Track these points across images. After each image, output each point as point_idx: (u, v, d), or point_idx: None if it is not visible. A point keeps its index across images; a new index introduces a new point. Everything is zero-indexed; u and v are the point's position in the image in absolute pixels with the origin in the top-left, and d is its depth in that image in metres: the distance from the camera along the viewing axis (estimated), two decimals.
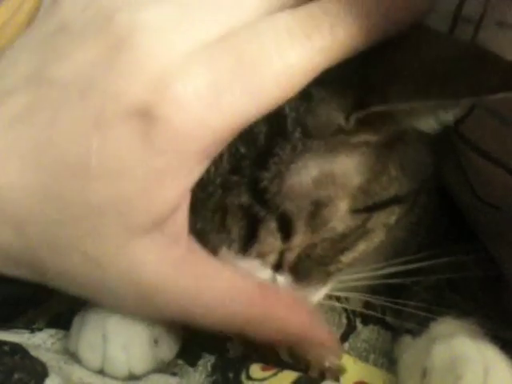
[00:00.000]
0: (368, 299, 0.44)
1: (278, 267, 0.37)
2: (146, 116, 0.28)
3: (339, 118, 0.33)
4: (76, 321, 0.40)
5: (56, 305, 0.49)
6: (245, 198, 0.33)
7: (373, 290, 0.44)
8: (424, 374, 0.37)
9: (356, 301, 0.46)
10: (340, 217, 0.35)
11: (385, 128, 0.34)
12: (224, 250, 0.35)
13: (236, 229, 0.34)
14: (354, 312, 0.47)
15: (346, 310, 0.47)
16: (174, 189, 0.29)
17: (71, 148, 0.28)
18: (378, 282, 0.42)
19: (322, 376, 0.40)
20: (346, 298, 0.47)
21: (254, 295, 0.34)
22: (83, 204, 0.29)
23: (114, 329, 0.38)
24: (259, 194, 0.33)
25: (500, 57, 0.30)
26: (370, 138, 0.34)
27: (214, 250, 0.35)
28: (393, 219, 0.39)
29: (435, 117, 0.34)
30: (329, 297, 0.46)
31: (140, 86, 0.28)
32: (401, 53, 0.32)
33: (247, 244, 0.35)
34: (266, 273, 0.37)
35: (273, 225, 0.34)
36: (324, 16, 0.30)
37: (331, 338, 0.37)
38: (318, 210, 0.34)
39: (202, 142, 0.28)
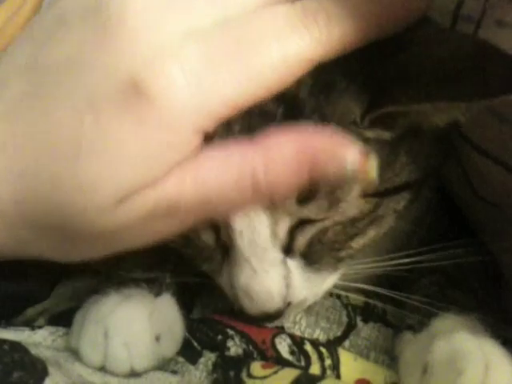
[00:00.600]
0: (371, 289, 0.44)
1: (288, 251, 0.37)
2: (138, 93, 0.27)
3: (356, 113, 0.33)
4: (77, 318, 0.41)
5: (56, 302, 0.49)
6: None
7: (375, 283, 0.44)
8: (425, 369, 0.37)
9: (357, 299, 0.47)
10: (351, 201, 0.35)
11: (397, 125, 0.34)
12: None
13: None
14: (354, 310, 0.47)
15: (346, 307, 0.47)
16: (167, 165, 0.29)
17: (65, 129, 0.28)
18: (379, 273, 0.42)
19: (323, 373, 0.41)
20: (347, 296, 0.47)
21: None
22: (76, 184, 0.28)
23: (115, 326, 0.38)
24: None
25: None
26: (383, 134, 0.34)
27: None
28: (402, 205, 0.39)
29: (448, 115, 0.35)
30: (329, 294, 0.47)
31: (132, 63, 0.27)
32: (412, 51, 0.33)
33: None
34: (277, 255, 0.37)
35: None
36: (321, 10, 0.30)
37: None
38: (334, 189, 0.34)
39: (196, 119, 0.28)
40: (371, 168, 0.30)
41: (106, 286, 0.43)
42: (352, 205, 0.35)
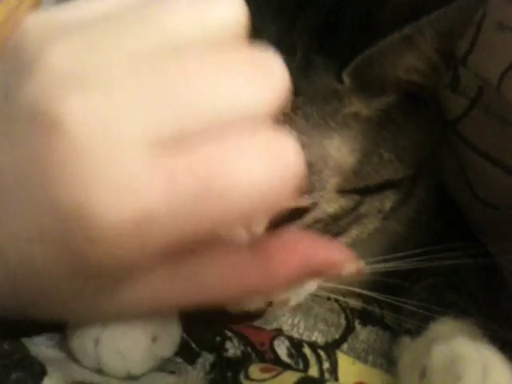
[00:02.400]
0: (368, 294, 0.44)
1: None
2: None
3: (332, 81, 0.33)
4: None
5: None
6: None
7: (372, 288, 0.44)
8: (423, 374, 0.37)
9: (355, 302, 0.47)
10: (328, 195, 0.35)
11: (374, 81, 0.34)
12: None
13: None
14: (352, 313, 0.47)
15: (344, 310, 0.47)
16: None
17: None
18: (375, 276, 0.42)
19: (321, 376, 0.41)
20: (346, 301, 0.47)
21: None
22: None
23: (106, 333, 0.38)
24: None
25: None
26: (362, 109, 0.35)
27: None
28: (387, 206, 0.39)
29: (424, 61, 0.34)
30: (327, 298, 0.47)
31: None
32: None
33: None
34: None
35: None
36: None
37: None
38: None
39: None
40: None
41: None
42: (330, 201, 0.35)
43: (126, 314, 0.27)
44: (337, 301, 0.47)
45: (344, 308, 0.47)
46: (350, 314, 0.47)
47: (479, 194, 0.43)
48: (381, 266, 0.42)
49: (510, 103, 0.34)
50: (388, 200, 0.38)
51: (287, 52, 0.33)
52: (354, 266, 0.28)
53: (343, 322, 0.46)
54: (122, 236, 0.21)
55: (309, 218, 0.36)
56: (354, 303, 0.47)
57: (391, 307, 0.44)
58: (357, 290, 0.44)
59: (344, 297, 0.46)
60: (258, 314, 0.39)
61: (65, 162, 0.21)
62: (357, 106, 0.35)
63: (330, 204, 0.36)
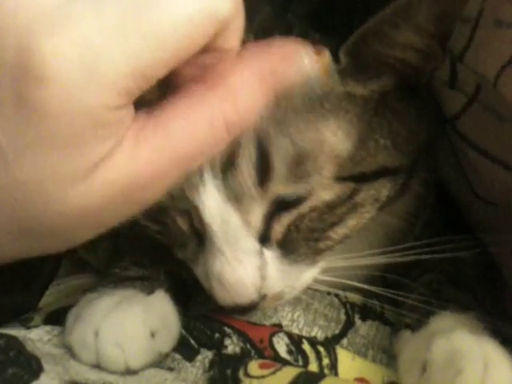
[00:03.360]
0: (368, 288, 0.44)
1: (265, 240, 0.37)
2: (26, 78, 0.24)
3: (327, 60, 0.33)
4: (70, 316, 0.40)
5: (53, 300, 0.49)
6: None
7: (372, 283, 0.44)
8: (424, 368, 0.36)
9: (355, 297, 0.46)
10: (325, 184, 0.35)
11: (373, 80, 0.34)
12: (209, 176, 0.34)
13: None
14: (352, 308, 0.47)
15: (344, 305, 0.47)
16: (88, 155, 0.26)
17: None
18: (375, 272, 0.42)
19: (322, 372, 0.40)
20: (346, 296, 0.47)
21: None
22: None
23: (106, 324, 0.38)
24: None
25: None
26: (357, 89, 0.34)
27: (200, 175, 0.34)
28: (384, 194, 0.38)
29: (421, 36, 0.34)
30: (327, 292, 0.46)
31: (11, 44, 0.24)
32: None
33: (226, 170, 0.34)
34: (251, 244, 0.36)
35: (252, 152, 0.33)
36: None
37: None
38: (301, 160, 0.34)
39: (101, 95, 0.25)
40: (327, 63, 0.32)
41: (102, 284, 0.43)
42: (325, 188, 0.35)
43: (98, 201, 0.27)
44: (336, 296, 0.47)
45: (344, 303, 0.47)
46: (350, 309, 0.47)
47: (479, 193, 0.43)
48: (379, 259, 0.42)
49: (507, 100, 0.34)
50: (384, 189, 0.38)
51: (283, 32, 0.33)
52: (311, 50, 0.28)
53: (343, 316, 0.46)
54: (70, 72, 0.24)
55: (305, 206, 0.36)
56: (354, 297, 0.46)
57: (391, 302, 0.44)
58: (356, 284, 0.44)
59: (344, 291, 0.46)
60: (251, 307, 0.38)
61: None
62: (351, 86, 0.34)
63: (325, 191, 0.35)
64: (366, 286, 0.43)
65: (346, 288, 0.46)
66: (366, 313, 0.47)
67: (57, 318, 0.44)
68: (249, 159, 0.33)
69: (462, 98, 0.38)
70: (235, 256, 0.36)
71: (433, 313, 0.40)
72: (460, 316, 0.40)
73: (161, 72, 0.26)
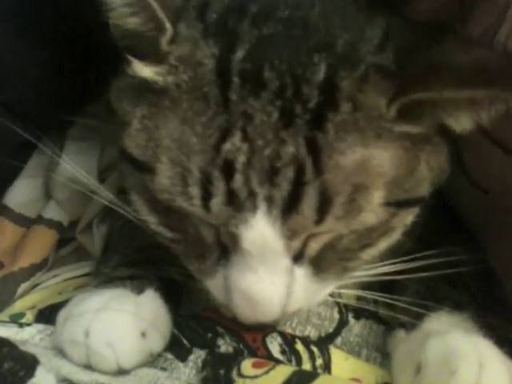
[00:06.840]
0: (362, 294, 0.43)
1: (298, 258, 0.36)
2: None
3: (381, 104, 0.33)
4: (60, 317, 0.40)
5: (46, 296, 0.49)
6: (300, 149, 0.32)
7: (366, 285, 0.43)
8: (418, 368, 0.36)
9: (349, 295, 0.46)
10: (372, 208, 0.34)
11: (424, 120, 0.34)
12: (263, 210, 0.33)
13: (283, 182, 0.32)
14: (346, 306, 0.47)
15: (338, 304, 0.47)
16: None
17: None
18: (373, 279, 0.42)
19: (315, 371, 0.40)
20: (339, 293, 0.47)
21: None
22: None
23: (96, 324, 0.38)
24: (314, 151, 0.32)
25: None
26: (411, 129, 0.34)
27: (253, 207, 0.33)
28: (410, 220, 0.38)
29: (474, 116, 0.34)
30: None
31: None
32: (438, 51, 0.33)
33: (286, 211, 0.33)
34: (286, 263, 0.35)
35: (314, 195, 0.33)
36: None
37: None
38: (355, 195, 0.33)
39: None
40: None
41: (92, 284, 0.42)
42: (372, 212, 0.34)
43: None
44: (330, 294, 0.47)
45: (337, 302, 0.47)
46: (344, 308, 0.47)
47: (473, 177, 0.43)
48: (377, 271, 0.41)
49: None
50: (412, 215, 0.38)
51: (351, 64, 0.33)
52: None
53: (337, 315, 0.46)
54: None
55: (347, 227, 0.35)
56: (348, 295, 0.46)
57: (385, 302, 0.44)
58: (351, 291, 0.43)
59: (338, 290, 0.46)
60: (273, 325, 0.38)
61: None
62: (406, 127, 0.34)
63: (370, 216, 0.35)
64: (360, 292, 0.43)
65: (339, 287, 0.45)
66: (360, 311, 0.46)
67: (49, 315, 0.43)
68: (312, 205, 0.33)
69: None
70: (268, 274, 0.35)
71: (427, 312, 0.40)
72: (455, 316, 0.40)
73: None
